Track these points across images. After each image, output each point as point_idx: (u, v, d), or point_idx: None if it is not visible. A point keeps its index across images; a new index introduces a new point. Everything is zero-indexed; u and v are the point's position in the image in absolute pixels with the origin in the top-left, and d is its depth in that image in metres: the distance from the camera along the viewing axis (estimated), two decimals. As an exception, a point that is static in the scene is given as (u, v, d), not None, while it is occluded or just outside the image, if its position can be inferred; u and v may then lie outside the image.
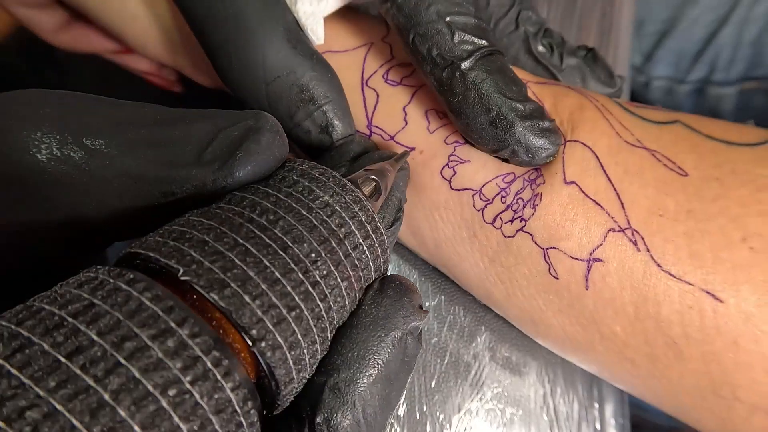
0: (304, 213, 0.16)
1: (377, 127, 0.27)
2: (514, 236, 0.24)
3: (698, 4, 0.56)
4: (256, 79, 0.22)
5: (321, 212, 0.16)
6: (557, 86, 0.26)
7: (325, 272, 0.15)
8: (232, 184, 0.17)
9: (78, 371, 0.11)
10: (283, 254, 0.15)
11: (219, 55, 0.23)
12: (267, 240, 0.15)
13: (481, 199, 0.25)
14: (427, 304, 0.31)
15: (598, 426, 0.32)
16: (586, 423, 0.32)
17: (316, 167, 0.18)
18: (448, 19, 0.22)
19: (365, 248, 0.17)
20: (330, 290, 0.16)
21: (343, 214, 0.17)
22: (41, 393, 0.10)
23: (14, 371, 0.10)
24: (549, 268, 0.23)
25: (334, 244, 0.16)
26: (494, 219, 0.24)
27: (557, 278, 0.23)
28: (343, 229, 0.17)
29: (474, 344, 0.31)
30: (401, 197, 0.22)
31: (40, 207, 0.16)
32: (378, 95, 0.27)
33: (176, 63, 0.29)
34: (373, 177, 0.20)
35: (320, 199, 0.17)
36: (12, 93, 0.17)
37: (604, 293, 0.22)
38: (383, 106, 0.26)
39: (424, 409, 0.29)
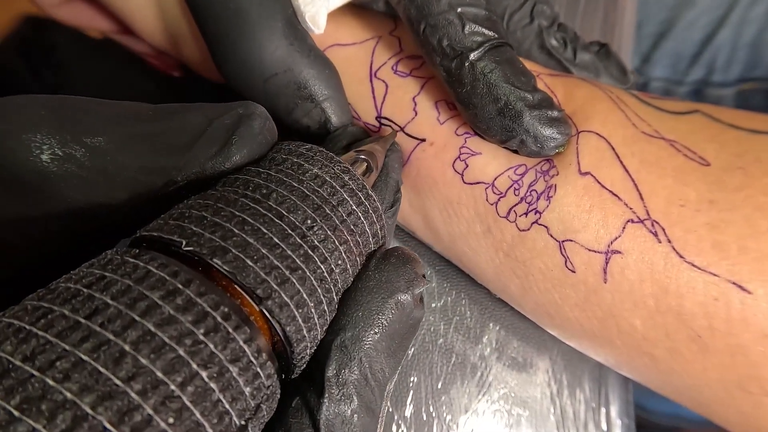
0: (296, 185, 0.17)
1: (386, 118, 0.26)
2: (529, 229, 0.24)
3: (696, 5, 0.57)
4: (254, 76, 0.23)
5: (312, 183, 0.17)
6: (569, 78, 0.26)
7: (322, 236, 0.16)
8: (229, 168, 0.17)
9: (97, 328, 0.11)
10: (279, 222, 0.15)
11: (218, 48, 0.23)
12: (262, 210, 0.15)
13: (494, 192, 0.24)
14: (433, 305, 0.30)
15: (604, 426, 0.32)
16: (593, 423, 0.31)
17: (302, 145, 0.19)
18: (459, 10, 0.22)
19: (360, 215, 0.18)
20: (329, 253, 0.16)
21: (334, 184, 0.17)
22: (67, 347, 0.11)
23: (40, 333, 0.11)
24: (565, 261, 0.23)
25: (327, 210, 0.17)
26: (508, 212, 0.24)
27: (574, 271, 0.23)
28: (335, 197, 0.17)
29: (480, 345, 0.30)
30: (398, 179, 0.23)
31: (47, 204, 0.17)
32: (387, 86, 0.26)
33: (181, 55, 0.28)
34: (363, 157, 0.21)
35: (309, 171, 0.17)
36: (4, 99, 0.17)
37: (622, 286, 0.22)
38: (392, 97, 0.26)
39: (431, 410, 0.29)
